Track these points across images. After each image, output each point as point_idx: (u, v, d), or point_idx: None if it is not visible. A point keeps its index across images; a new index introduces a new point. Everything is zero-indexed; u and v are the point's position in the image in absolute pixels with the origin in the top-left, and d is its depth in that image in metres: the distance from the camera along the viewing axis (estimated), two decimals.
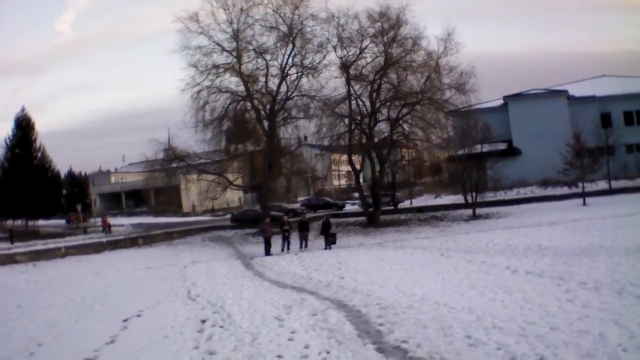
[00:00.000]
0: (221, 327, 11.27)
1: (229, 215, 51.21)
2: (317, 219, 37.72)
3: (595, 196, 37.02)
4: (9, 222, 57.98)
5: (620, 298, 10.34)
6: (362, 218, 40.60)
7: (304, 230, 27.73)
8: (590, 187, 38.95)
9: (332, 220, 30.75)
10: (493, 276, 14.48)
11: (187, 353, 9.45)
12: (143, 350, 9.92)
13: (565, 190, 42.82)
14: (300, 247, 27.09)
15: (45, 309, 15.10)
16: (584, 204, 34.85)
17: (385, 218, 40.04)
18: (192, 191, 51.63)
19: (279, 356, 8.92)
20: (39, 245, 35.90)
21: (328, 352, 8.94)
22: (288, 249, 26.69)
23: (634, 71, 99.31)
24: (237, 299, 14.30)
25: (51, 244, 36.19)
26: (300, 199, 63.81)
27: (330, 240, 26.67)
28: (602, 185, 41.53)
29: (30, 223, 58.92)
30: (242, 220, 44.29)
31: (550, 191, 44.13)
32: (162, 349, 9.84)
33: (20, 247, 35.36)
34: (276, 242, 27.30)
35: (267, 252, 26.06)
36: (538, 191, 45.55)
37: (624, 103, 49.68)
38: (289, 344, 9.60)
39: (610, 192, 39.41)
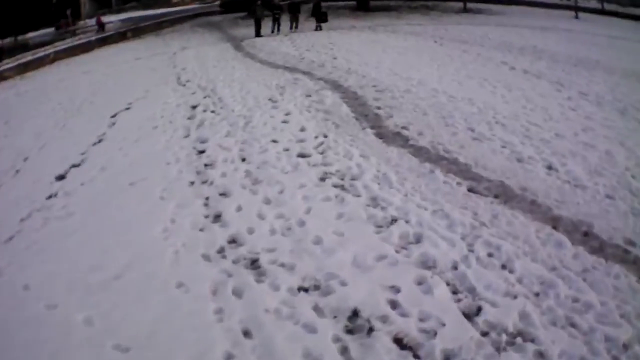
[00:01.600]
0: (212, 112, 10.29)
1: (218, 1, 47.59)
2: (307, 2, 35.02)
3: (586, 13, 34.08)
4: None
5: (624, 119, 8.99)
6: (352, 2, 37.63)
7: (294, 11, 25.56)
8: (582, 3, 35.61)
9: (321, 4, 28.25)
10: (490, 70, 13.27)
11: (177, 143, 8.58)
12: (133, 144, 8.99)
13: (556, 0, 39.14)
14: (291, 28, 25.18)
15: (33, 119, 13.48)
16: (576, 17, 32.08)
17: (375, 3, 37.17)
18: None
19: (274, 141, 8.10)
20: (28, 56, 33.25)
21: (325, 136, 8.14)
22: (278, 30, 24.72)
23: None
24: (228, 81, 13.10)
25: (40, 52, 33.49)
26: None
27: (322, 20, 24.72)
28: (594, 4, 37.96)
29: (20, 38, 54.96)
30: (231, 4, 40.62)
31: None
32: (151, 141, 8.93)
33: (9, 64, 32.70)
34: (266, 25, 25.25)
35: (258, 34, 24.24)
36: None
37: None
38: (284, 127, 8.76)
39: (601, 12, 36.22)
